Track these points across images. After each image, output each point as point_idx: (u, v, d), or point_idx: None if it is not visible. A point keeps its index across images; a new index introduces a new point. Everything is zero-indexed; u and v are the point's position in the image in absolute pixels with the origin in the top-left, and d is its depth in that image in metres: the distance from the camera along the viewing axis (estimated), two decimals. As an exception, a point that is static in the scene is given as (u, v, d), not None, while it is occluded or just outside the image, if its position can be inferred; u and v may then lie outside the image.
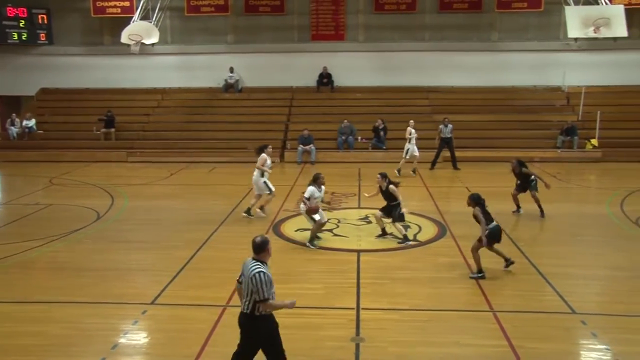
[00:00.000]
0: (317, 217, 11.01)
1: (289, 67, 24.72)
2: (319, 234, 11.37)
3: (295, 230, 12.05)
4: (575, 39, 20.65)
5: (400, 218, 11.25)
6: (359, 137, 21.59)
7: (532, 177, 12.85)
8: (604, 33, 19.43)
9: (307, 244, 10.89)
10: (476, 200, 9.50)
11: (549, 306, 8.30)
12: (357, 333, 7.41)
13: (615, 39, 19.92)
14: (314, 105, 24.13)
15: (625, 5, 20.51)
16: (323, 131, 21.98)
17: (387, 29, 24.55)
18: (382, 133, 21.35)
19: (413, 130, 18.38)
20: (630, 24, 20.29)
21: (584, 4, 20.37)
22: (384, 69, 24.54)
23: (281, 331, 7.46)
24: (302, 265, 9.99)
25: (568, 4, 20.35)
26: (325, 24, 24.81)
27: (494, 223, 9.38)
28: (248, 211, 13.09)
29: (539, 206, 12.92)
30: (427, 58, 24.33)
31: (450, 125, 19.28)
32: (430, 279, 9.30)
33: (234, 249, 10.84)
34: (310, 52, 24.65)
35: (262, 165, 13.17)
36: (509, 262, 9.50)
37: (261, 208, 13.29)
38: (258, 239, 5.94)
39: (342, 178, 18.06)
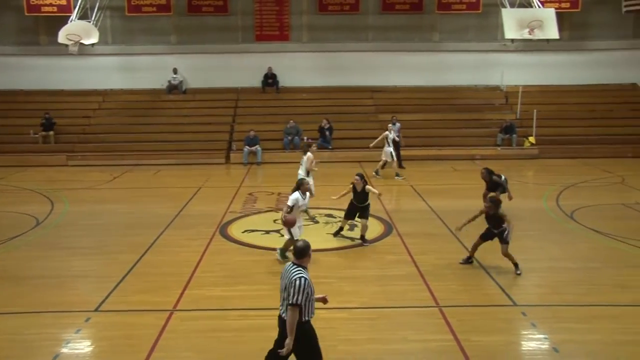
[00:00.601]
0: (295, 231, 9.90)
1: (234, 68, 24.54)
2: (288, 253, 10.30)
3: (243, 232, 11.99)
4: (512, 40, 21.35)
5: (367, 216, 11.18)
6: (305, 138, 21.64)
7: (502, 185, 12.99)
8: (538, 35, 20.23)
9: (278, 257, 10.07)
10: (498, 204, 9.46)
11: (492, 300, 8.57)
12: (306, 333, 7.44)
13: (548, 40, 20.72)
14: (260, 106, 24.05)
15: (555, 8, 21.38)
16: (269, 132, 21.93)
17: (331, 29, 24.72)
18: (327, 133, 21.48)
19: (391, 135, 18.47)
20: (561, 27, 21.15)
21: (519, 6, 21.11)
22: (328, 69, 24.70)
23: (227, 334, 7.46)
24: (249, 266, 9.94)
25: (504, 7, 21.03)
26: (270, 25, 24.77)
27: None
28: None
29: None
30: (371, 58, 24.63)
31: (398, 124, 19.59)
32: (377, 277, 9.43)
33: (181, 252, 10.72)
34: (255, 53, 24.55)
35: (311, 164, 13.57)
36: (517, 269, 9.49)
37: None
38: (300, 243, 5.86)
39: (288, 178, 17.94)
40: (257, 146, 20.84)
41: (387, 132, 18.07)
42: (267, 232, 12.02)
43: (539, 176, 18.98)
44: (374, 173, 17.94)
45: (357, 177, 11.10)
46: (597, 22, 24.52)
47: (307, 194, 10.23)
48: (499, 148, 21.70)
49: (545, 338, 7.37)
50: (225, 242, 11.34)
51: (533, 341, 7.38)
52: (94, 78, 24.68)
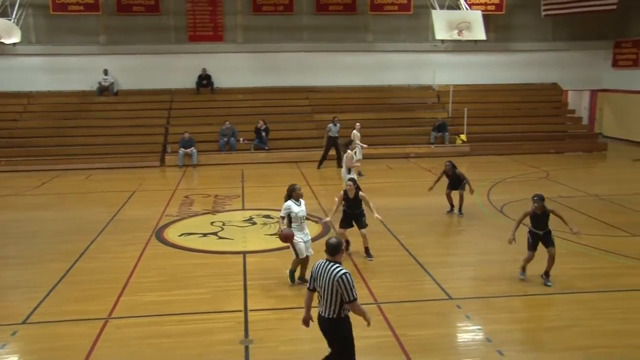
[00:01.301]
0: (300, 246, 8.98)
1: (167, 69, 24.05)
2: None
3: (179, 235, 11.81)
4: (442, 41, 21.94)
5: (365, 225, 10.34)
6: (241, 139, 21.51)
7: (464, 180, 13.27)
8: (467, 36, 20.94)
9: (288, 280, 9.17)
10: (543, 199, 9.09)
11: (428, 294, 8.80)
12: (246, 335, 7.42)
13: (476, 41, 21.44)
14: (194, 108, 23.68)
15: (482, 11, 22.17)
16: (204, 133, 21.65)
17: (265, 29, 24.64)
18: (263, 134, 21.42)
19: (359, 134, 18.51)
20: (487, 29, 21.94)
21: (448, 8, 21.74)
22: (264, 70, 24.62)
23: (166, 340, 7.34)
24: (187, 270, 9.81)
25: (434, 8, 21.60)
26: (203, 25, 24.44)
27: None
28: None
29: (461, 205, 13.35)
30: (306, 58, 24.72)
31: (338, 125, 19.77)
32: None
33: (115, 258, 10.45)
34: (189, 54, 24.15)
35: (351, 162, 13.77)
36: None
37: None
38: (333, 240, 5.79)
39: (225, 180, 17.93)
40: (192, 148, 20.53)
41: (354, 131, 18.21)
42: (205, 234, 11.89)
43: (470, 173, 19.32)
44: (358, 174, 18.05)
45: (349, 183, 10.31)
46: (520, 24, 25.53)
47: (302, 200, 9.09)
48: (432, 146, 22.24)
49: (479, 329, 7.64)
50: (162, 247, 11.13)
51: (467, 333, 7.63)
52: (17, 79, 23.59)
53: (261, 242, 11.32)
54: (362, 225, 10.27)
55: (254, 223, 12.74)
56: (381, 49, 25.00)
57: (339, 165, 19.49)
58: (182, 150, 20.44)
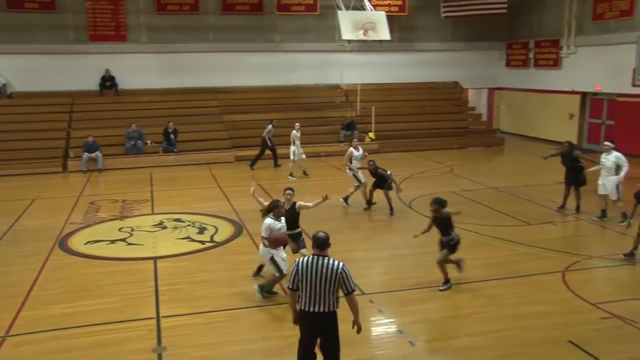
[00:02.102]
0: (282, 264, 8.47)
1: (67, 70, 22.93)
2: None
3: (85, 244, 11.36)
4: (349, 41, 22.38)
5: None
6: (149, 141, 20.94)
7: (389, 179, 13.50)
8: (372, 36, 21.50)
9: (257, 293, 8.62)
10: (442, 204, 8.96)
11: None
12: (159, 343, 7.28)
13: (381, 41, 22.05)
14: (98, 110, 22.71)
15: (386, 12, 22.83)
16: (109, 137, 20.86)
17: (171, 29, 24.07)
18: (172, 136, 20.97)
19: (298, 134, 18.21)
20: (392, 29, 22.63)
21: (353, 9, 22.21)
22: (171, 71, 24.04)
23: (76, 353, 7.07)
24: (95, 279, 9.46)
25: (340, 9, 21.99)
26: (104, 24, 23.51)
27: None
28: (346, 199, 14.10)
29: (390, 205, 13.55)
30: (214, 59, 24.40)
31: (270, 126, 19.75)
32: (230, 279, 9.45)
33: (14, 271, 9.88)
34: (90, 54, 23.16)
35: (347, 159, 14.21)
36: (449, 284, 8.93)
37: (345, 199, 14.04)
38: (322, 234, 5.74)
39: (133, 184, 17.39)
40: (97, 152, 19.73)
41: (293, 131, 18.12)
42: (113, 241, 11.51)
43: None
44: (289, 177, 17.89)
45: (289, 192, 9.19)
46: (422, 25, 26.49)
47: (282, 218, 8.48)
48: (342, 144, 22.62)
49: (392, 322, 7.92)
50: (66, 256, 10.66)
51: (381, 326, 7.87)
52: None
53: (172, 247, 11.11)
54: (299, 245, 9.28)
55: (165, 227, 12.47)
56: (289, 49, 25.13)
57: (276, 165, 19.57)
58: (86, 155, 19.59)
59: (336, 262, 5.63)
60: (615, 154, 12.41)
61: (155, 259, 10.40)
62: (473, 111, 27.19)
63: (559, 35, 23.96)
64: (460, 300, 8.55)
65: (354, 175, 14.18)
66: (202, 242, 11.39)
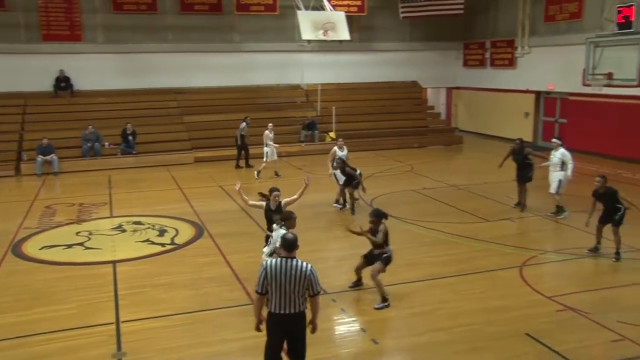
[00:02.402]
0: None
1: (18, 70, 22.26)
2: None
3: (40, 249, 11.05)
4: (309, 41, 22.39)
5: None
6: (106, 143, 20.53)
7: (356, 178, 13.53)
8: (332, 36, 21.56)
9: None
10: (382, 216, 8.62)
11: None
12: (119, 348, 7.15)
13: (340, 41, 22.14)
14: (53, 112, 22.12)
15: (345, 12, 22.94)
16: (65, 139, 20.37)
17: (128, 29, 23.64)
18: (130, 138, 20.61)
19: (271, 135, 18.03)
20: (351, 29, 22.74)
21: (313, 9, 22.23)
22: (128, 71, 23.60)
23: (32, 361, 6.87)
24: (51, 285, 9.22)
25: (299, 9, 21.98)
26: (58, 23, 22.91)
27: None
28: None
29: (352, 204, 13.70)
30: (173, 59, 24.07)
31: (243, 124, 19.61)
32: (191, 281, 9.35)
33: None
34: (43, 54, 22.52)
35: (330, 160, 14.07)
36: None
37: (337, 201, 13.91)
38: (290, 235, 5.72)
39: (90, 187, 17.01)
40: (52, 155, 19.23)
41: (266, 132, 17.98)
42: (69, 246, 11.25)
43: (340, 169, 20.17)
44: (255, 175, 17.87)
45: (276, 192, 8.85)
46: (381, 25, 26.73)
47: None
48: (303, 144, 22.65)
49: (354, 320, 7.98)
50: (20, 262, 10.36)
51: (343, 325, 7.91)
52: None
53: (132, 250, 10.92)
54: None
55: (124, 230, 12.25)
56: (249, 49, 25.00)
57: (247, 165, 19.37)
58: (40, 158, 19.07)
59: (304, 264, 5.60)
60: (561, 150, 12.77)
61: (114, 262, 10.20)
62: (432, 110, 27.57)
63: (513, 36, 24.50)
64: (423, 297, 8.65)
65: (333, 174, 14.08)
66: (163, 245, 11.23)
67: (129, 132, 20.61)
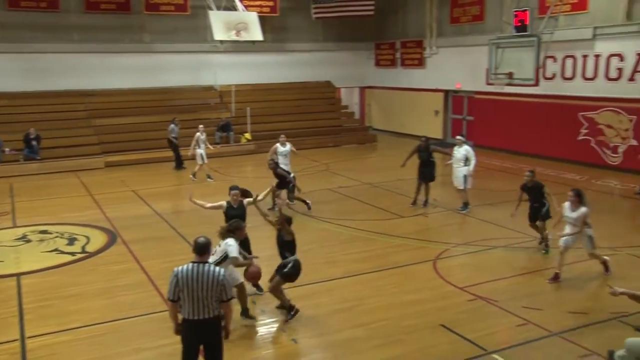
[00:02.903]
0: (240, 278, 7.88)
1: None
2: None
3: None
4: (221, 42, 22.14)
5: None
6: (7, 149, 19.36)
7: (290, 181, 13.44)
8: (244, 37, 21.44)
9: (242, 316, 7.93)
10: (289, 221, 8.04)
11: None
12: (25, 365, 6.79)
13: (254, 42, 22.05)
14: (-55, 117, 20.67)
15: (258, 12, 22.87)
16: (-39, 145, 19.07)
17: (27, 28, 22.36)
18: (34, 143, 19.55)
19: (203, 137, 17.46)
20: (264, 30, 22.71)
21: (225, 9, 22.00)
22: (30, 72, 22.34)
23: None
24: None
25: (211, 9, 21.69)
26: (-53, 21, 21.39)
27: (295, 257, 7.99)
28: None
29: (303, 200, 13.62)
30: (79, 60, 23.04)
31: (172, 125, 19.07)
32: (104, 290, 9.02)
33: None
34: None
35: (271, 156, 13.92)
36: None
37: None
38: (202, 239, 5.57)
39: (-9, 196, 16.02)
40: (-54, 163, 17.94)
41: (197, 134, 17.46)
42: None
43: (257, 170, 20.04)
44: (191, 176, 17.42)
45: (234, 192, 8.98)
46: (294, 26, 26.86)
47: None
48: (218, 146, 22.34)
49: (274, 321, 7.97)
50: None
51: (264, 326, 7.88)
52: None
53: (39, 261, 10.37)
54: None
55: (29, 241, 11.62)
56: (160, 49, 24.36)
57: (180, 167, 19.05)
58: None
59: (216, 269, 5.54)
60: (465, 147, 13.29)
61: (18, 275, 9.65)
62: (346, 110, 28.01)
63: (422, 37, 25.33)
64: (342, 294, 8.78)
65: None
66: (73, 254, 10.76)
67: (32, 136, 19.56)
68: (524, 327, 7.57)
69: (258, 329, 7.82)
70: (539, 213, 10.53)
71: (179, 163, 19.41)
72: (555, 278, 9.06)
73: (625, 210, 14.19)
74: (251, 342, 7.43)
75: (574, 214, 9.00)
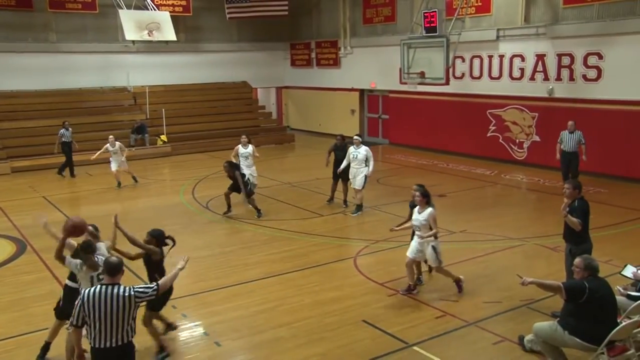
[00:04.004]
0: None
1: None
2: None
3: None
4: (133, 42, 21.53)
5: None
6: None
7: (246, 182, 13.00)
8: (157, 36, 20.99)
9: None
10: (159, 237, 7.41)
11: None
12: None
13: (167, 42, 21.60)
14: None
15: (170, 12, 22.41)
16: None
17: None
18: None
19: (112, 148, 16.33)
20: (177, 30, 22.28)
21: (135, 8, 21.39)
22: None
23: None
24: None
25: (121, 8, 21.03)
26: None
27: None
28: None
29: (254, 207, 13.13)
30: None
31: (70, 129, 18.07)
32: (13, 302, 8.58)
33: None
34: None
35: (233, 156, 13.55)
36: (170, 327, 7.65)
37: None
38: (114, 259, 5.21)
39: None
40: None
41: (107, 145, 16.36)
42: None
43: (174, 172, 19.71)
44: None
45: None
46: (208, 26, 26.49)
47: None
48: (133, 149, 21.72)
49: (196, 325, 7.89)
50: None
51: (185, 331, 7.76)
52: None
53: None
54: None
55: None
56: (67, 49, 23.33)
57: (72, 175, 17.96)
58: None
59: (126, 289, 5.11)
60: (364, 147, 13.22)
61: None
62: (263, 110, 27.96)
63: (336, 37, 25.69)
64: (265, 295, 8.79)
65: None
66: (-23, 266, 10.14)
67: None
68: (442, 318, 7.88)
69: (180, 333, 7.69)
70: None
71: (63, 168, 18.13)
72: (408, 289, 8.61)
73: (531, 203, 15.05)
74: (173, 348, 7.29)
75: (421, 216, 8.40)
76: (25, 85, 22.56)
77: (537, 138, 18.27)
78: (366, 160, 13.05)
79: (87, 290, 5.10)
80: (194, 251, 10.85)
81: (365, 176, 13.07)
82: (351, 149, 13.22)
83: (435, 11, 17.24)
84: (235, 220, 12.89)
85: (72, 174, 18.25)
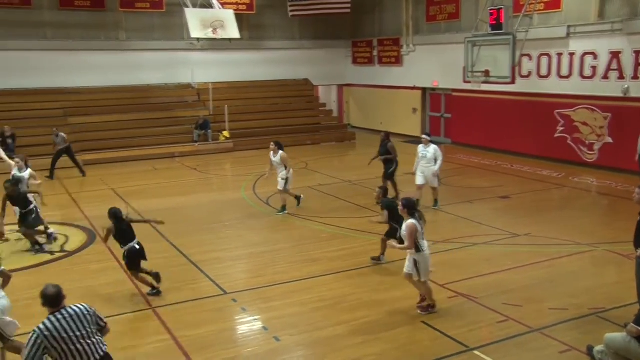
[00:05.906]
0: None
1: None
2: None
3: None
4: (198, 40, 21.99)
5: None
6: (-19, 148, 19.00)
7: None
8: (221, 34, 21.34)
9: None
10: (115, 215, 8.52)
11: (203, 292, 8.87)
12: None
13: (230, 40, 21.96)
14: None
15: (234, 10, 22.77)
16: None
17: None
18: (10, 141, 19.19)
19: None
20: (241, 28, 22.61)
21: (200, 7, 21.86)
22: (2, 70, 21.95)
23: None
24: None
25: (187, 7, 21.53)
26: None
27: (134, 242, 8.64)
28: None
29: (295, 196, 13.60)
30: (54, 58, 22.64)
31: (61, 135, 18.35)
32: (82, 289, 8.91)
33: None
34: None
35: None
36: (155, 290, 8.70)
37: None
38: (52, 289, 4.88)
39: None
40: None
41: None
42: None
43: (236, 168, 20.07)
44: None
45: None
46: (271, 24, 26.77)
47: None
48: (196, 144, 22.24)
49: (255, 319, 7.98)
50: None
51: (244, 324, 7.89)
52: None
53: (17, 260, 10.19)
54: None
55: (7, 240, 11.40)
56: (136, 47, 24.11)
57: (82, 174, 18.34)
58: None
59: (80, 306, 5.02)
60: (434, 146, 13.16)
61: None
62: (324, 107, 28.01)
63: (399, 35, 25.44)
64: (323, 292, 8.78)
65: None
66: (52, 253, 10.62)
67: (7, 134, 19.21)
68: (505, 323, 7.66)
69: (239, 327, 7.82)
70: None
71: (80, 170, 18.42)
72: (423, 304, 8.10)
73: (602, 207, 14.44)
74: (232, 340, 7.42)
75: (403, 229, 7.95)
76: (96, 82, 23.47)
77: (609, 140, 17.48)
78: (435, 160, 13.03)
79: (43, 326, 4.83)
80: (252, 247, 11.05)
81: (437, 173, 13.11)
82: (420, 147, 13.29)
83: (502, 8, 16.79)
84: (296, 217, 12.96)
85: (83, 173, 18.30)
